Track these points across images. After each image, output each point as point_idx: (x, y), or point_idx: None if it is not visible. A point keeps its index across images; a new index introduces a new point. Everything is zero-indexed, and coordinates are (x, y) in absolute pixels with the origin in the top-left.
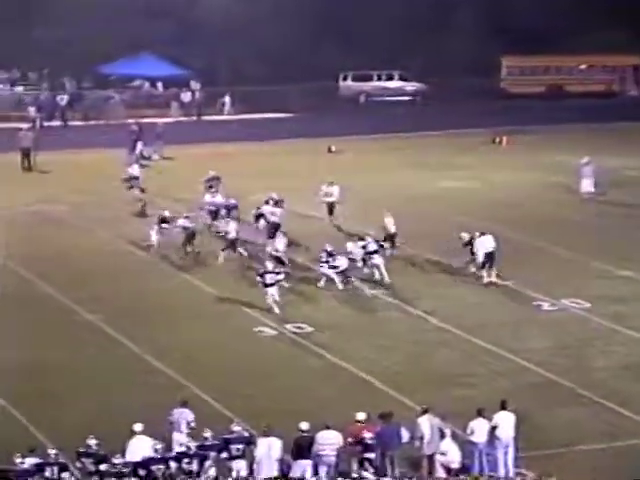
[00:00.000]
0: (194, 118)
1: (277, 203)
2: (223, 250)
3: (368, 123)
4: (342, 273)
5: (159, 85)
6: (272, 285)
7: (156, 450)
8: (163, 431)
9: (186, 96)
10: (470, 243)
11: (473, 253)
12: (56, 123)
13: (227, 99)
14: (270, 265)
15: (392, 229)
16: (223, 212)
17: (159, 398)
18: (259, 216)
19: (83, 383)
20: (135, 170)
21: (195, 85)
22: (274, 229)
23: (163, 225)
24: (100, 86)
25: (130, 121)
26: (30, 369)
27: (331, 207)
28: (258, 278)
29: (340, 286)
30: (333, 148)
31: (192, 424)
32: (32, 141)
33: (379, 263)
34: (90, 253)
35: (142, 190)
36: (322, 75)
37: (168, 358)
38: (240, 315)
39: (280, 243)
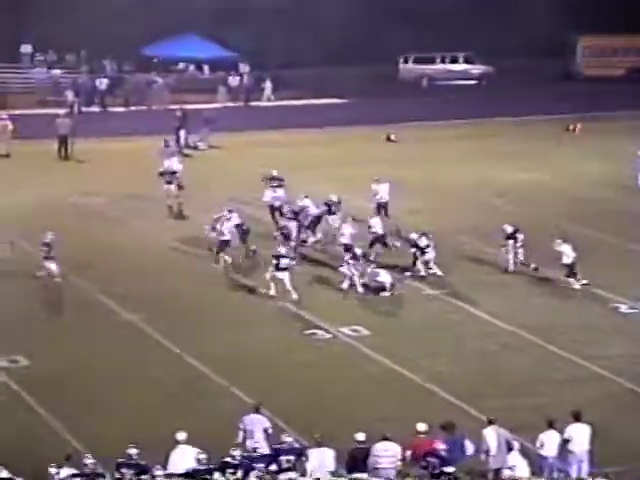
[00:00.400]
0: (242, 104)
1: (333, 206)
2: (218, 253)
3: (430, 109)
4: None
5: (205, 68)
6: (285, 270)
7: (199, 460)
8: (209, 439)
9: (234, 80)
10: (513, 236)
11: (516, 246)
12: (95, 109)
13: (268, 84)
14: (284, 249)
15: (379, 230)
16: (286, 209)
17: (205, 405)
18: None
19: (122, 388)
20: (174, 163)
21: (244, 68)
22: (316, 220)
23: (215, 226)
24: (142, 69)
25: (174, 107)
26: (66, 374)
27: (380, 207)
28: (273, 260)
29: (360, 289)
30: (392, 136)
31: (269, 430)
32: (69, 128)
33: (430, 259)
34: (128, 248)
35: (180, 187)
36: (381, 57)
37: (213, 362)
38: (291, 317)
39: (347, 228)
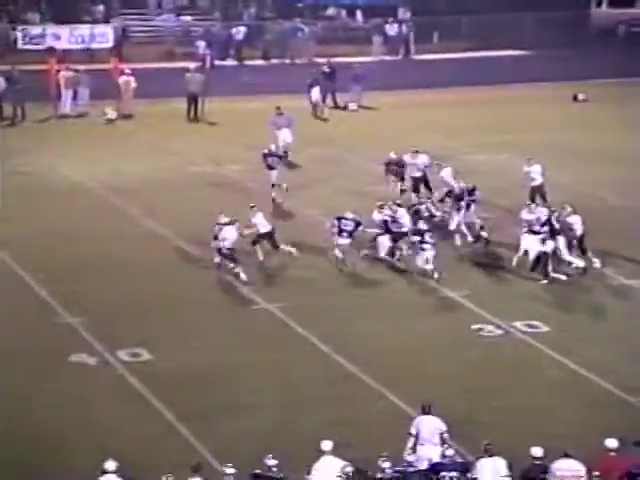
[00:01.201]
0: (401, 57)
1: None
2: (254, 244)
3: (628, 62)
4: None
5: (358, 14)
6: (346, 234)
7: (346, 474)
8: (354, 451)
9: (392, 28)
10: None
11: None
12: (230, 62)
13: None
14: (350, 215)
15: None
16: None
17: (353, 409)
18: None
19: (259, 388)
20: (286, 136)
21: (404, 14)
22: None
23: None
24: (285, 16)
25: (321, 60)
26: (194, 370)
27: (534, 192)
28: (334, 222)
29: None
30: (580, 96)
31: (445, 435)
32: (200, 85)
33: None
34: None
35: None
36: (568, 0)
37: (364, 361)
38: (455, 310)
39: (525, 214)
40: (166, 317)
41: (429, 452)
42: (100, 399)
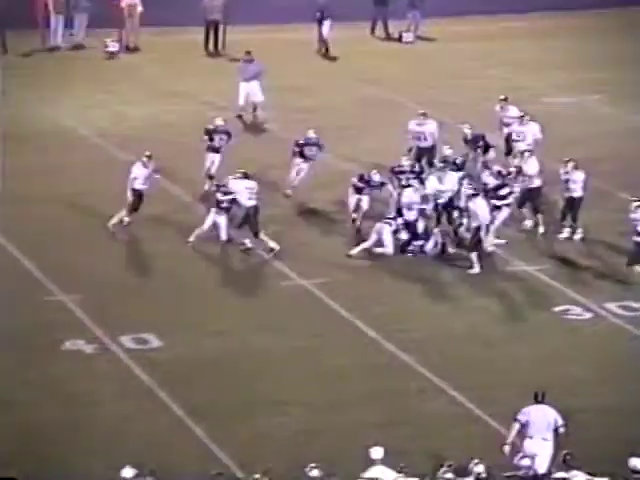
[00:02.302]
0: None
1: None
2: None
3: None
4: None
5: None
6: (363, 192)
7: None
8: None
9: None
10: None
11: None
12: None
13: None
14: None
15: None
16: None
17: (407, 408)
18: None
19: (292, 381)
20: (255, 92)
21: None
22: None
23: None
24: None
25: None
26: (213, 359)
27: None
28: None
29: None
30: None
31: (562, 430)
32: (222, 10)
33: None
34: (301, 188)
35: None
36: None
37: (419, 349)
38: (538, 288)
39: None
40: (178, 295)
41: (536, 448)
42: (99, 393)
